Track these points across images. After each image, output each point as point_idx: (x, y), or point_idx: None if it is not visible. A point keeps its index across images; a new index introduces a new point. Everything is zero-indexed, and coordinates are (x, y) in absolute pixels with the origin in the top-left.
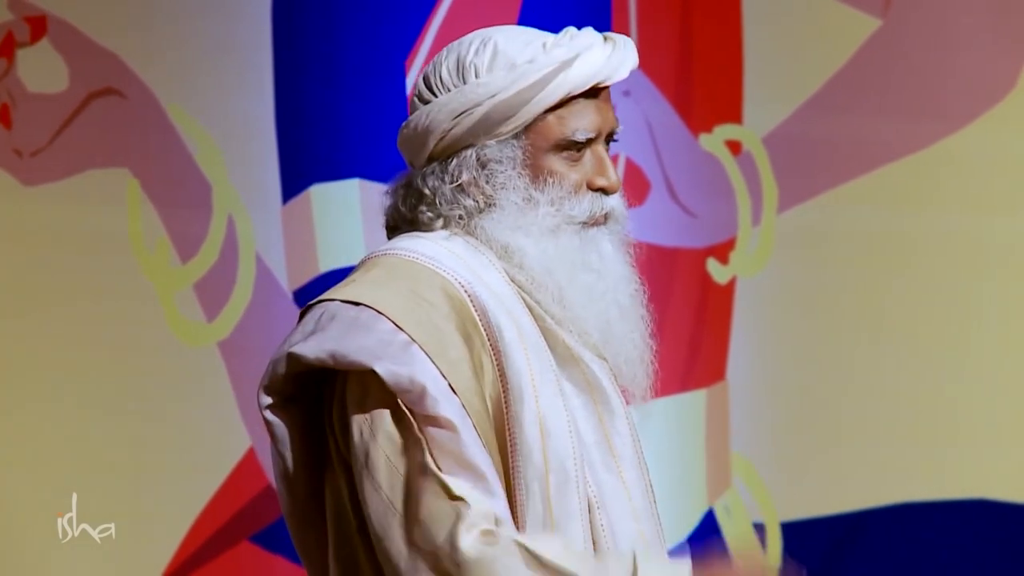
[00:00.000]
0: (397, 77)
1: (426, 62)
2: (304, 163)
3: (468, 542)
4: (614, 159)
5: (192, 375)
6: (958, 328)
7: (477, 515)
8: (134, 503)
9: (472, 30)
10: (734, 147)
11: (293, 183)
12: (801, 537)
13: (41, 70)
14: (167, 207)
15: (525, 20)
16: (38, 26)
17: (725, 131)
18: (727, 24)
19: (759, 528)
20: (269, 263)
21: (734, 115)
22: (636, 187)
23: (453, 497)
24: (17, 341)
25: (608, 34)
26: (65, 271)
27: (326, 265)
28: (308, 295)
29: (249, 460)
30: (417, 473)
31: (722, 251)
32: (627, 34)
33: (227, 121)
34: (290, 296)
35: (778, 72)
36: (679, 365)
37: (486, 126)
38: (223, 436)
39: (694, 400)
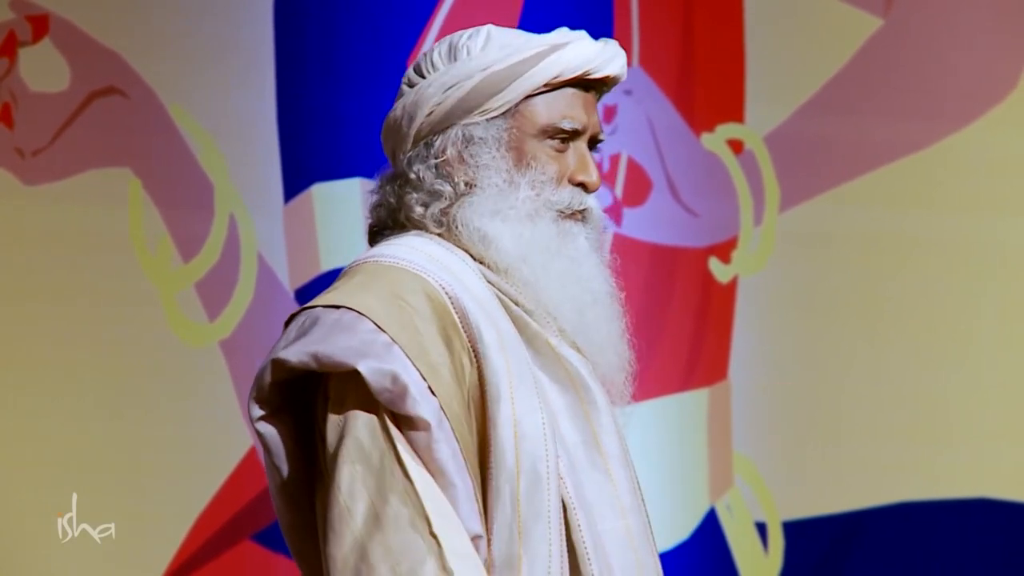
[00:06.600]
0: (399, 77)
1: None
2: (305, 162)
3: None
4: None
5: (193, 375)
6: (958, 328)
7: (450, 555)
8: (134, 503)
9: None
10: (736, 146)
11: (295, 182)
12: (803, 536)
13: (43, 69)
14: (169, 207)
15: (527, 19)
16: (40, 25)
17: (727, 130)
18: (729, 23)
19: (761, 527)
20: (271, 262)
21: (736, 114)
22: (638, 186)
23: (431, 534)
24: (17, 341)
25: (602, 39)
26: (65, 271)
27: (328, 264)
28: (310, 294)
29: (250, 460)
30: (393, 495)
31: (724, 250)
32: (629, 34)
33: (229, 121)
34: (292, 295)
35: (780, 71)
36: (681, 364)
37: (475, 100)
38: (224, 436)
39: (696, 399)
